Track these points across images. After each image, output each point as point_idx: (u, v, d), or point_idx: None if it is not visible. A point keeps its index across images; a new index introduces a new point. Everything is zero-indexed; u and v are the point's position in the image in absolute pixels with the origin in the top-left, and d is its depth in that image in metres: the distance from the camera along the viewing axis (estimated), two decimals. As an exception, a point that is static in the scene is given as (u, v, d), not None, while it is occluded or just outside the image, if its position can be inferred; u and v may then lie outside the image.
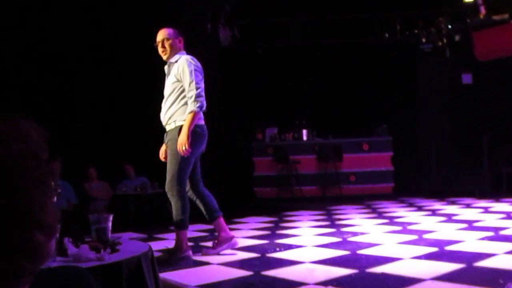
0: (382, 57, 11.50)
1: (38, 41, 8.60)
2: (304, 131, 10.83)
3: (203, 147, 4.39)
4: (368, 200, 9.34)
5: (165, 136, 4.44)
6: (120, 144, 8.77)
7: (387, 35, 11.80)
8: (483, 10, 10.46)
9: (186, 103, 4.24)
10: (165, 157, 4.46)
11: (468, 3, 10.86)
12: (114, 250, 2.44)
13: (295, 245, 4.86)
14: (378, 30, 11.77)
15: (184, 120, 4.19)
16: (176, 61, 4.35)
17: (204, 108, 4.25)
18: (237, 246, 4.56)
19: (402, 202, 8.92)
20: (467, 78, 10.84)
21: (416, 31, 11.43)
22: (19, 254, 0.79)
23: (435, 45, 11.33)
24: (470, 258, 3.89)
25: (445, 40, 11.34)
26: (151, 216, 7.27)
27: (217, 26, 11.44)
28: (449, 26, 11.14)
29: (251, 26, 11.88)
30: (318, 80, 11.57)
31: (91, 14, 9.02)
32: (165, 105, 4.40)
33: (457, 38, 11.31)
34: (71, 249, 2.37)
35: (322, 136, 10.85)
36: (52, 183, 0.86)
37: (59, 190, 0.89)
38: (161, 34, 4.42)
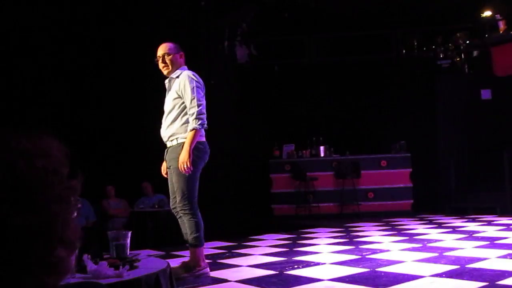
0: (400, 73, 11.47)
1: (59, 59, 8.75)
2: (321, 148, 10.80)
3: (205, 162, 4.35)
4: (386, 217, 9.25)
5: (165, 152, 4.40)
6: (137, 161, 8.82)
7: (404, 51, 11.77)
8: (502, 25, 10.41)
9: (187, 120, 4.20)
10: (167, 173, 4.44)
11: (487, 19, 10.82)
12: (132, 267, 2.44)
13: (313, 262, 4.81)
14: (395, 46, 11.76)
15: (186, 138, 4.17)
16: (178, 77, 4.31)
17: (206, 125, 4.21)
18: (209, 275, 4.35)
19: (421, 219, 8.82)
20: (486, 94, 10.75)
21: (433, 47, 11.40)
22: (42, 269, 0.80)
23: (453, 61, 11.28)
24: (492, 276, 3.81)
25: (463, 56, 11.29)
26: (168, 233, 7.27)
27: (234, 43, 11.53)
28: (467, 42, 11.10)
29: (267, 43, 11.95)
30: (335, 96, 11.58)
31: (106, 32, 9.16)
32: (165, 121, 4.35)
33: (475, 53, 11.26)
34: (90, 265, 2.38)
35: (340, 152, 10.80)
36: (73, 199, 0.87)
37: (79, 205, 0.89)
38: (162, 49, 4.38)
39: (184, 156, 4.05)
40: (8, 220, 0.76)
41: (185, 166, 4.04)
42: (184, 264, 4.32)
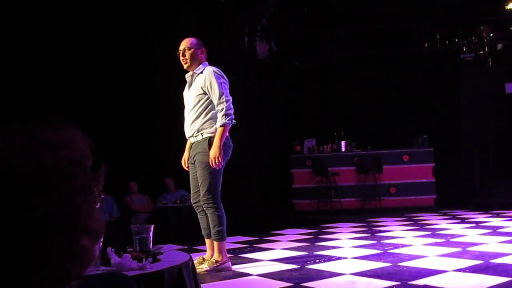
0: (422, 67, 11.34)
1: (84, 52, 8.86)
2: (343, 143, 10.75)
3: (228, 157, 4.38)
4: (409, 212, 9.18)
5: (189, 147, 4.44)
6: (160, 158, 8.89)
7: (426, 45, 11.64)
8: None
9: (213, 115, 4.25)
10: (188, 166, 4.48)
11: (511, 10, 10.63)
12: (155, 260, 2.47)
13: (335, 257, 4.81)
14: (418, 40, 11.63)
15: (212, 133, 4.21)
16: (201, 72, 4.33)
17: (234, 121, 4.25)
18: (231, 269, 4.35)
19: (444, 214, 8.73)
20: (511, 88, 10.56)
21: (456, 40, 11.25)
22: (66, 258, 0.81)
23: (476, 55, 11.10)
24: (517, 271, 3.76)
25: (487, 49, 11.11)
26: (191, 228, 7.33)
27: (254, 39, 11.53)
28: (491, 35, 10.91)
29: (288, 38, 11.93)
30: (356, 91, 11.49)
31: (128, 29, 9.23)
32: (188, 117, 4.38)
33: (499, 47, 11.06)
34: (114, 258, 2.41)
35: (361, 147, 10.74)
36: (96, 189, 0.88)
37: (102, 196, 0.91)
38: (184, 43, 4.40)
39: (215, 152, 4.11)
40: (34, 210, 0.77)
41: (217, 161, 4.09)
42: (204, 258, 4.35)
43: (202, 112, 4.29)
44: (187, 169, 4.51)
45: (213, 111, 4.27)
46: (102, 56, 9.09)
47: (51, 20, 8.45)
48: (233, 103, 4.30)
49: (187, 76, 4.47)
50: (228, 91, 4.28)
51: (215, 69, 4.34)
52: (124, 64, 9.24)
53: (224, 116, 4.16)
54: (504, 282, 3.45)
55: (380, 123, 11.14)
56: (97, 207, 0.89)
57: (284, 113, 11.44)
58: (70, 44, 8.76)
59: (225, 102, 4.18)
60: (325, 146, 10.87)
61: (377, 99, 11.35)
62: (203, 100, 4.29)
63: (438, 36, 11.59)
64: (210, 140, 4.21)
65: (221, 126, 4.16)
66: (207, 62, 4.46)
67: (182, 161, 4.54)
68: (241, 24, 11.05)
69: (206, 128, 4.27)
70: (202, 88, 4.29)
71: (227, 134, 4.29)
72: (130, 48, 9.27)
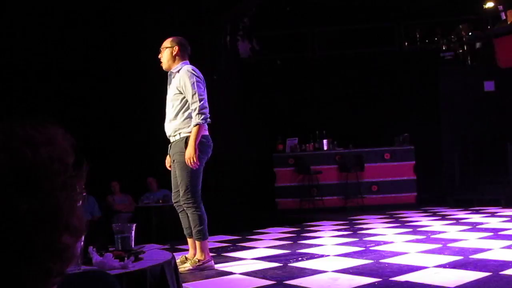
0: (403, 65, 11.44)
1: (63, 54, 8.78)
2: (325, 141, 10.78)
3: (208, 156, 4.37)
4: (390, 209, 9.25)
5: (169, 147, 4.42)
6: (142, 157, 8.85)
7: (406, 43, 11.75)
8: (504, 17, 10.39)
9: (189, 115, 4.22)
10: (170, 166, 4.47)
11: (489, 10, 10.78)
12: (137, 259, 2.46)
13: (317, 255, 4.83)
14: (398, 38, 11.74)
15: (189, 132, 4.18)
16: (178, 71, 4.32)
17: (209, 119, 4.22)
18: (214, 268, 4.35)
19: (425, 211, 8.82)
20: (489, 86, 10.71)
21: (436, 39, 11.38)
22: (47, 255, 0.81)
23: (456, 53, 11.24)
24: (496, 266, 3.82)
25: (466, 48, 11.26)
26: (173, 228, 7.31)
27: (236, 38, 11.52)
28: (470, 34, 11.06)
29: (270, 37, 11.94)
30: (338, 89, 11.55)
31: (108, 28, 9.17)
32: (167, 116, 4.37)
33: (478, 45, 11.22)
34: (96, 257, 2.40)
35: (343, 145, 10.80)
36: (78, 187, 0.88)
37: (84, 193, 0.91)
38: (163, 43, 4.42)
39: (190, 152, 4.08)
40: (15, 207, 0.77)
41: (192, 161, 4.07)
42: (187, 258, 4.34)
43: (179, 112, 4.27)
44: (170, 169, 4.49)
45: (189, 111, 4.23)
46: (84, 56, 9.01)
47: (33, 17, 8.36)
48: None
49: (168, 75, 4.46)
50: (203, 89, 4.24)
51: (190, 67, 4.30)
52: (106, 64, 9.17)
53: (198, 116, 4.12)
54: (484, 277, 3.51)
55: (362, 122, 11.21)
56: (79, 204, 0.89)
57: (266, 112, 11.45)
58: (52, 43, 8.68)
59: (198, 102, 4.14)
60: (307, 144, 10.90)
61: (358, 98, 11.43)
62: (180, 100, 4.27)
63: (418, 35, 11.71)
64: (187, 140, 4.19)
65: (195, 125, 4.13)
66: (187, 61, 4.42)
67: (166, 161, 4.53)
68: (223, 23, 11.03)
69: (183, 127, 4.24)
70: (177, 88, 4.27)
71: (206, 133, 4.27)
72: (112, 48, 9.20)
